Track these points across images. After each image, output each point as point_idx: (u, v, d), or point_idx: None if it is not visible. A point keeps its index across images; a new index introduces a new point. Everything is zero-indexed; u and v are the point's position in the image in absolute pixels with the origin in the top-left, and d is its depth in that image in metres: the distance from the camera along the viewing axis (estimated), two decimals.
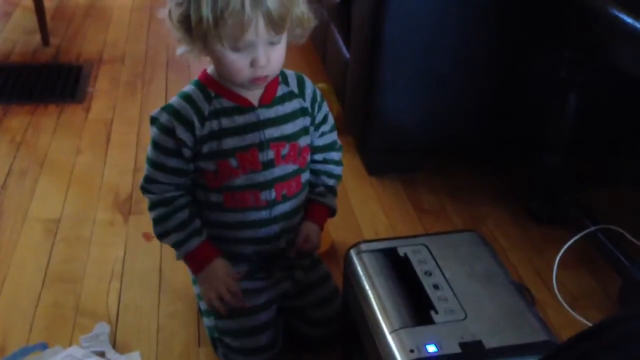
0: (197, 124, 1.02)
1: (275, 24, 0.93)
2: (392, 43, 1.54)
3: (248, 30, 0.92)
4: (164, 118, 1.04)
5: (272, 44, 0.96)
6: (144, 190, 1.10)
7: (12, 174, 1.67)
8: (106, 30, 2.59)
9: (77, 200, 1.58)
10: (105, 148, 1.80)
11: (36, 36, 2.42)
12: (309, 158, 1.14)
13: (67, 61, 2.30)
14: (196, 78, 1.08)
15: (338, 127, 1.90)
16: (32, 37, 2.44)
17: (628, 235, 1.38)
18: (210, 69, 1.06)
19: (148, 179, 1.09)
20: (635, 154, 1.60)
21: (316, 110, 1.12)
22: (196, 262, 1.10)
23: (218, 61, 0.99)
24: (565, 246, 1.41)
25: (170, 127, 1.03)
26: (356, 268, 0.98)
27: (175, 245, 1.10)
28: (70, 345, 1.17)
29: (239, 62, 0.96)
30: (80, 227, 1.49)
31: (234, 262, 1.12)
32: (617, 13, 1.21)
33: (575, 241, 1.41)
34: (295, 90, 1.10)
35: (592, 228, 1.39)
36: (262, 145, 1.05)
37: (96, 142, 1.83)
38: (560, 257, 1.41)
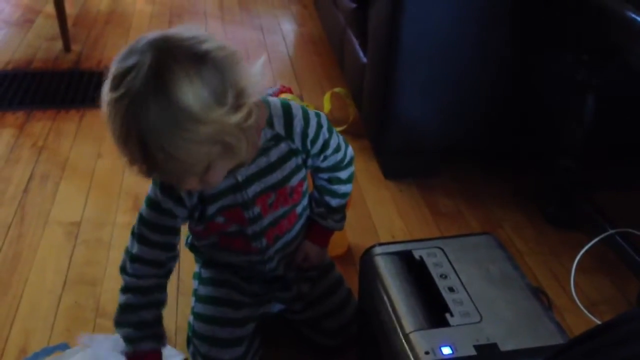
0: (184, 196, 0.97)
1: (191, 170, 0.84)
2: (408, 48, 1.54)
3: (172, 182, 0.90)
4: (152, 193, 0.99)
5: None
6: (122, 270, 1.02)
7: (33, 179, 1.70)
8: (126, 36, 2.62)
9: (97, 204, 1.61)
10: None
11: (58, 43, 2.46)
12: (304, 188, 1.07)
13: (88, 67, 2.33)
14: None
15: (355, 131, 1.94)
16: (54, 44, 2.48)
17: None
18: None
19: (133, 258, 1.00)
20: None
21: (309, 145, 1.02)
22: None
23: None
24: (583, 250, 1.40)
25: (158, 201, 0.98)
26: (371, 271, 0.99)
27: (127, 340, 1.02)
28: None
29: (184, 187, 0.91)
30: (101, 230, 1.52)
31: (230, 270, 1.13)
32: (634, 15, 1.20)
33: (592, 245, 1.40)
34: (282, 133, 0.99)
35: (610, 232, 1.38)
36: (246, 204, 1.00)
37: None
38: (578, 261, 1.40)
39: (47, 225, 1.53)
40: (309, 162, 1.04)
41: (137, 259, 1.00)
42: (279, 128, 0.98)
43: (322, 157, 1.05)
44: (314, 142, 1.02)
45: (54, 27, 2.48)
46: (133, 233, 1.01)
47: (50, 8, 2.50)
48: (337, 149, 1.07)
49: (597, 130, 1.48)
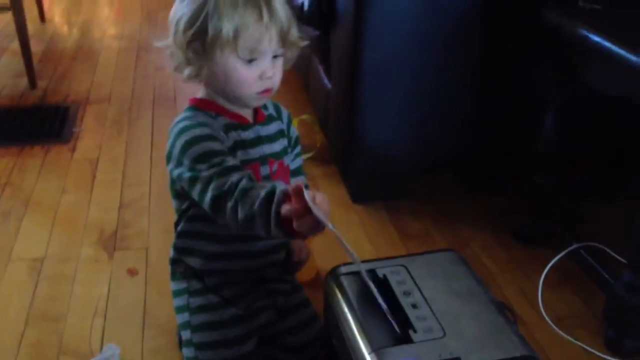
0: (222, 134, 1.03)
1: (285, 35, 1.01)
2: (370, 72, 1.56)
3: (263, 41, 0.98)
4: (196, 123, 1.01)
5: (275, 57, 1.02)
6: (196, 171, 0.96)
7: None
8: (93, 71, 2.62)
9: (61, 239, 1.58)
10: (91, 186, 1.81)
11: (23, 79, 2.45)
12: (290, 179, 1.16)
13: (54, 102, 2.32)
14: (187, 106, 1.09)
15: (322, 157, 1.95)
16: (20, 81, 2.47)
17: (611, 252, 1.39)
18: (202, 93, 1.09)
19: (199, 157, 0.96)
20: (615, 173, 1.62)
21: (291, 132, 1.17)
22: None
23: (226, 76, 1.01)
24: (549, 265, 1.41)
25: (208, 124, 1.02)
26: (335, 290, 0.98)
27: (267, 198, 0.87)
28: None
29: (249, 75, 1.01)
30: (65, 265, 1.49)
31: (220, 285, 1.11)
32: (586, 33, 1.24)
33: (559, 260, 1.42)
34: (274, 114, 1.14)
35: (575, 246, 1.40)
36: (263, 160, 1.08)
37: (81, 181, 1.83)
38: (545, 277, 1.41)
39: (9, 262, 1.50)
40: (289, 151, 1.15)
41: (209, 154, 0.96)
42: (272, 110, 1.14)
43: (294, 153, 1.17)
44: (292, 130, 1.17)
45: (19, 64, 2.46)
46: (193, 177, 0.96)
47: (15, 45, 2.50)
48: (300, 153, 1.21)
49: (563, 146, 1.51)
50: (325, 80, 1.83)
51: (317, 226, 0.82)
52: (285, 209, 0.84)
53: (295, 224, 0.83)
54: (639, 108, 1.17)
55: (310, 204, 0.81)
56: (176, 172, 1.00)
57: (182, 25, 1.00)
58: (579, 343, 1.28)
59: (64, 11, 3.46)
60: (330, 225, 0.81)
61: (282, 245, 1.16)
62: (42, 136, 2.07)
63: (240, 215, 0.89)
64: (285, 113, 1.17)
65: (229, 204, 0.91)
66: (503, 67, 1.60)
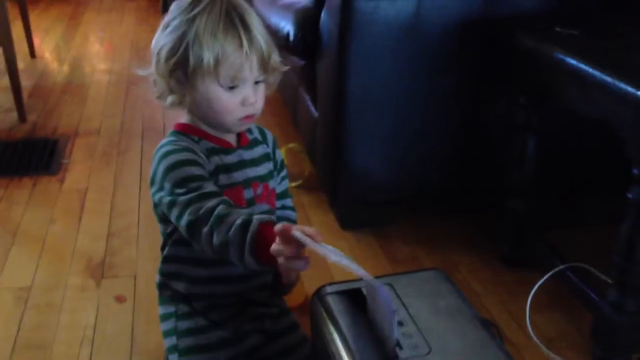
0: (204, 158, 1.04)
1: (265, 62, 1.03)
2: (355, 100, 1.59)
3: (244, 69, 1.00)
4: (178, 148, 1.02)
5: (257, 83, 1.04)
6: (175, 195, 0.96)
7: None
8: (83, 105, 2.65)
9: (48, 268, 1.58)
10: (79, 216, 1.81)
11: (13, 114, 2.47)
12: (276, 204, 1.17)
13: (43, 136, 2.33)
14: (172, 130, 1.10)
15: (310, 185, 1.96)
16: (9, 115, 2.49)
17: (596, 272, 1.40)
18: (185, 118, 1.10)
19: (179, 182, 0.97)
20: (597, 194, 1.64)
21: (276, 155, 1.18)
22: (268, 241, 0.87)
23: (209, 103, 1.03)
24: (536, 287, 1.41)
25: (191, 149, 1.03)
26: (321, 310, 0.98)
27: (243, 226, 0.88)
28: None
29: (231, 102, 1.02)
30: (52, 293, 1.48)
31: (208, 308, 1.11)
32: (563, 57, 1.27)
33: (545, 281, 1.42)
34: (259, 138, 1.16)
35: (561, 267, 1.41)
36: (246, 183, 1.08)
37: (70, 211, 1.83)
38: (532, 298, 1.41)
39: None
40: (274, 175, 1.15)
41: (188, 180, 0.97)
42: (256, 134, 1.15)
43: (280, 176, 1.18)
44: (277, 154, 1.18)
45: (9, 99, 2.49)
46: (171, 201, 0.97)
47: (5, 81, 2.52)
48: (286, 176, 1.21)
49: (544, 169, 1.53)
50: (312, 109, 1.86)
51: (307, 264, 0.83)
52: (276, 249, 0.82)
53: (285, 264, 0.83)
54: (608, 131, 1.19)
55: (307, 241, 0.79)
56: (157, 196, 1.01)
57: (164, 55, 1.02)
58: None
59: (54, 47, 3.50)
60: (334, 257, 0.80)
61: (266, 269, 1.16)
62: (31, 168, 2.08)
63: (215, 241, 0.90)
64: (270, 137, 1.18)
65: (205, 230, 0.91)
66: (484, 94, 1.63)
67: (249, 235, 0.87)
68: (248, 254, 0.87)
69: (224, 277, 1.11)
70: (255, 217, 0.88)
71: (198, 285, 1.11)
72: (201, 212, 0.92)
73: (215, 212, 0.91)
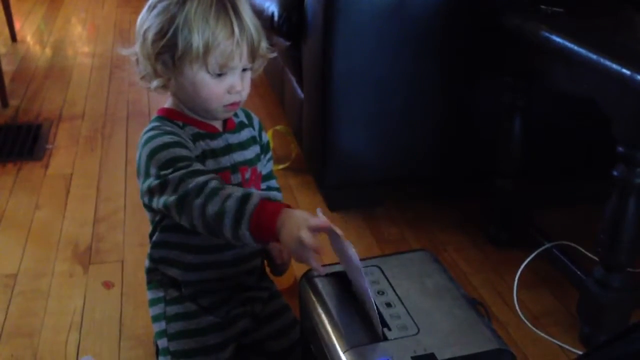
0: (190, 143, 1.03)
1: (255, 50, 1.01)
2: (341, 81, 1.58)
3: (234, 58, 0.98)
4: (162, 132, 1.01)
5: (244, 70, 1.03)
6: (163, 177, 0.94)
7: None
8: (66, 89, 2.61)
9: (35, 254, 1.56)
10: (65, 202, 1.79)
11: None
12: (262, 186, 1.17)
13: (26, 121, 2.30)
14: (155, 116, 1.08)
15: (298, 167, 1.96)
16: None
17: (582, 250, 1.41)
18: (169, 103, 1.08)
19: (166, 163, 0.95)
20: (586, 175, 1.65)
21: (263, 138, 1.17)
22: (268, 216, 0.87)
23: (195, 89, 1.01)
24: (523, 265, 1.43)
25: (176, 132, 1.02)
26: (310, 292, 0.98)
27: (242, 198, 0.88)
28: None
29: (217, 89, 1.01)
30: (39, 280, 1.47)
31: (197, 293, 1.11)
32: (548, 35, 1.27)
33: (532, 260, 1.43)
34: (245, 121, 1.15)
35: (547, 245, 1.42)
36: (234, 168, 1.07)
37: (55, 196, 1.82)
38: (519, 277, 1.42)
39: None
40: (261, 157, 1.15)
41: (175, 160, 0.96)
42: (242, 117, 1.14)
43: (265, 159, 1.17)
44: (264, 136, 1.17)
45: None
46: (161, 183, 0.95)
47: None
48: (271, 158, 1.21)
49: (533, 150, 1.53)
50: (298, 91, 1.84)
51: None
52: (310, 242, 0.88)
53: (296, 256, 0.90)
54: (595, 112, 1.19)
55: (345, 245, 0.89)
56: (145, 184, 0.99)
57: (150, 37, 0.99)
58: (555, 340, 1.29)
59: (35, 30, 3.45)
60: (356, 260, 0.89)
61: (256, 252, 1.15)
62: (15, 154, 2.05)
63: (209, 211, 0.89)
64: (256, 120, 1.17)
65: (197, 201, 0.90)
66: (470, 74, 1.62)
67: (248, 207, 0.87)
68: (245, 227, 0.87)
69: (214, 263, 1.11)
70: (256, 192, 0.89)
71: (189, 272, 1.11)
72: (192, 185, 0.92)
73: (210, 185, 0.91)
